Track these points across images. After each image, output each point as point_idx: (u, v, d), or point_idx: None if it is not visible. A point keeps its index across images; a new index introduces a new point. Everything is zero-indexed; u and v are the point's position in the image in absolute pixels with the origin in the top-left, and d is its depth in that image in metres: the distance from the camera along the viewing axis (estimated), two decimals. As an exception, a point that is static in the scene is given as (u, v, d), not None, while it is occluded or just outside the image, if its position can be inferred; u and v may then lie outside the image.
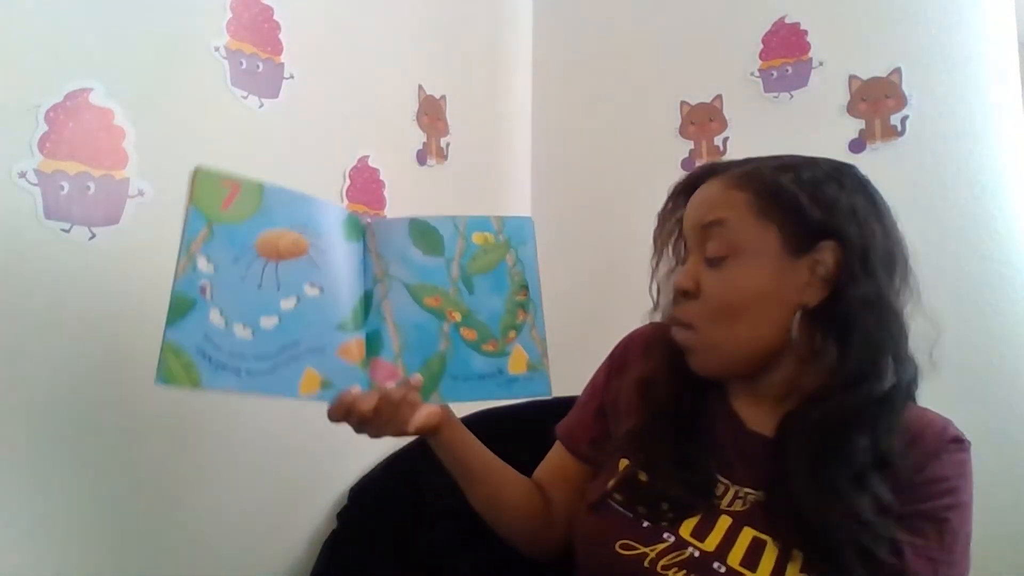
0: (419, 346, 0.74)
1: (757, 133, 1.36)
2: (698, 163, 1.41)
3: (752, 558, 0.67)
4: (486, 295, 0.76)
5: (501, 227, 0.78)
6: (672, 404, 0.78)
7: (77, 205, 0.82)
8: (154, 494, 0.89)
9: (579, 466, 0.88)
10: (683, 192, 0.82)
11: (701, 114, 1.43)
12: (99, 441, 0.84)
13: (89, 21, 0.84)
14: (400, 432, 0.74)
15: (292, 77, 1.07)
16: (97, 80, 0.84)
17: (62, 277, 0.81)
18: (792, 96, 1.34)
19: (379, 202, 1.21)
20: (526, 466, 0.89)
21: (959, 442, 0.72)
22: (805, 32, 1.33)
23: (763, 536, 0.68)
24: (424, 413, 0.75)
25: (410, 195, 1.26)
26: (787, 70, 1.34)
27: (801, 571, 0.65)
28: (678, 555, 0.69)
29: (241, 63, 1.00)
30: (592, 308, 1.45)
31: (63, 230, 0.82)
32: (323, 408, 0.70)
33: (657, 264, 0.84)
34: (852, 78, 1.28)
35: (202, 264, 0.66)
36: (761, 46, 1.37)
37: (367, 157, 1.20)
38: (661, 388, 0.79)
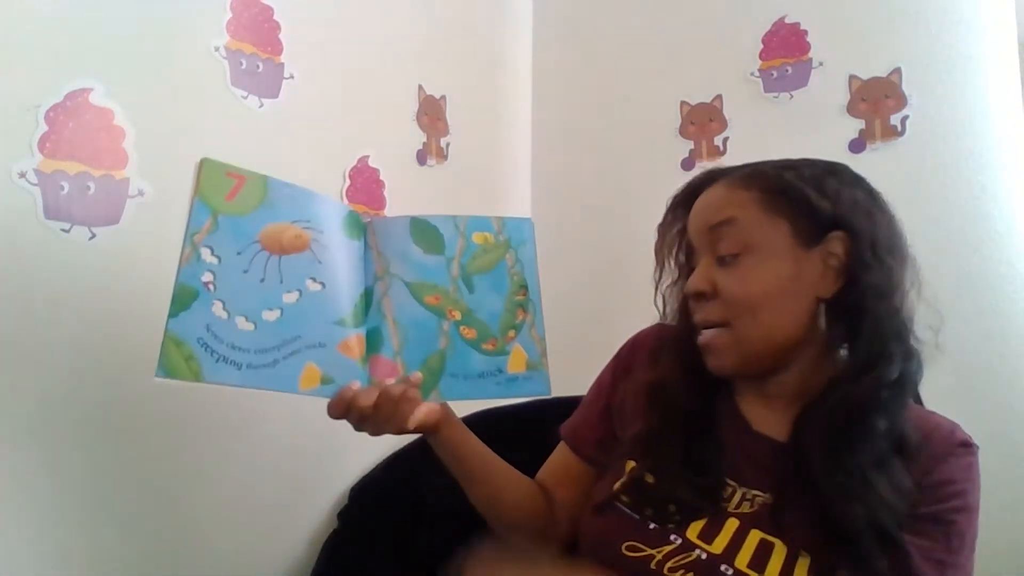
0: (419, 344, 0.74)
1: (757, 133, 1.36)
2: (698, 163, 1.42)
3: (760, 560, 0.67)
4: (486, 294, 0.76)
5: (501, 227, 0.79)
6: (683, 407, 0.78)
7: (77, 205, 0.82)
8: (154, 494, 0.89)
9: (583, 467, 0.87)
10: (683, 204, 0.82)
11: (701, 114, 1.43)
12: (99, 441, 0.85)
13: (89, 21, 0.85)
14: (400, 429, 0.73)
15: (292, 77, 1.07)
16: (97, 80, 0.84)
17: (62, 277, 0.81)
18: (792, 96, 1.34)
19: (379, 202, 1.21)
20: (526, 466, 0.89)
21: (967, 446, 0.72)
22: (805, 32, 1.33)
23: (771, 538, 0.68)
24: (424, 410, 0.74)
25: (410, 195, 1.26)
26: (787, 70, 1.34)
27: (809, 573, 0.65)
28: (685, 557, 0.69)
29: (241, 63, 1.00)
30: (592, 308, 1.45)
31: (63, 230, 0.82)
32: (323, 408, 0.70)
33: (660, 276, 0.84)
34: (852, 78, 1.28)
35: (206, 255, 0.66)
36: (761, 46, 1.37)
37: (367, 157, 1.20)
38: (673, 391, 0.79)
